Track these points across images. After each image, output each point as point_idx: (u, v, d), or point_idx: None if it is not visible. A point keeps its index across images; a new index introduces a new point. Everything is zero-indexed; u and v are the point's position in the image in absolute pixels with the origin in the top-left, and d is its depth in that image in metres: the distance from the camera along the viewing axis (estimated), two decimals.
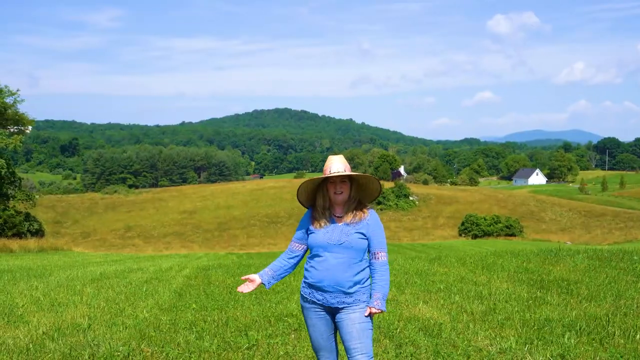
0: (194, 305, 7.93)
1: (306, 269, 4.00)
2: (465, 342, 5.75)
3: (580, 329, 6.11)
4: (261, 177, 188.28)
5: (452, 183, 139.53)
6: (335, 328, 4.03)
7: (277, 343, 5.85)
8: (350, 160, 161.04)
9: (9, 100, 43.69)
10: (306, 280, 3.99)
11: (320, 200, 4.03)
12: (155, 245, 69.37)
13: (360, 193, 4.11)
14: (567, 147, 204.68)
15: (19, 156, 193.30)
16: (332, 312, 3.96)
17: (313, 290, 3.95)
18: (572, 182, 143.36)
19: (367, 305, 3.89)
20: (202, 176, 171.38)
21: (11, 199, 44.14)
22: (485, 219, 65.00)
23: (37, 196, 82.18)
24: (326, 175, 3.97)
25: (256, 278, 4.02)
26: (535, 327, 6.24)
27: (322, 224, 3.97)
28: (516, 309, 7.22)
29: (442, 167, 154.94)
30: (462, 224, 66.66)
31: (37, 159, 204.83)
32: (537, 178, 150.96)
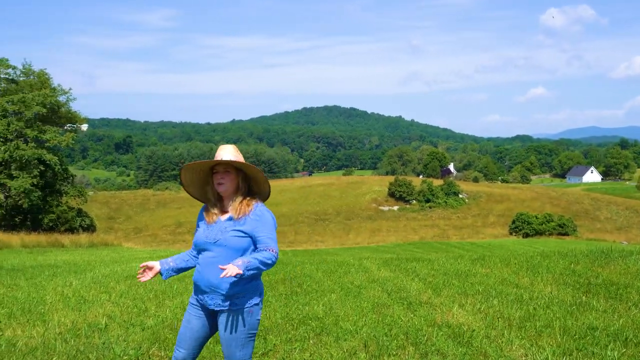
0: None
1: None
2: (498, 352, 5.33)
3: (626, 339, 5.61)
4: (310, 175, 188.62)
5: (503, 181, 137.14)
6: (215, 331, 3.79)
7: (295, 349, 5.54)
8: (399, 157, 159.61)
9: (61, 98, 44.71)
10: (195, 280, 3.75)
11: (210, 194, 3.76)
12: None
13: (248, 184, 3.76)
14: (624, 144, 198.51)
15: (76, 153, 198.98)
16: (212, 314, 3.72)
17: (195, 290, 3.72)
18: (629, 180, 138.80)
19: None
20: None
21: (64, 195, 45.16)
22: (536, 218, 63.47)
23: (91, 192, 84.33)
24: (202, 162, 3.68)
25: (155, 265, 3.74)
26: (577, 336, 5.76)
27: (210, 220, 3.71)
28: (558, 315, 6.73)
29: (492, 165, 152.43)
30: (513, 222, 65.27)
31: (92, 156, 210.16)
32: (592, 176, 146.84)
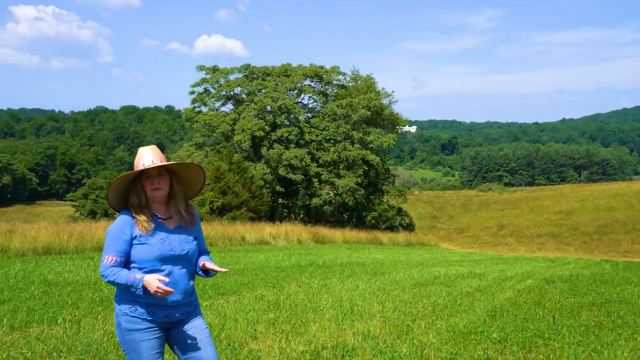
0: (494, 335, 6.41)
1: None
2: None
3: None
4: None
5: None
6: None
7: None
8: None
9: (384, 101, 46.70)
10: (140, 300, 3.31)
11: (134, 199, 3.40)
12: (528, 246, 67.18)
13: (182, 187, 3.56)
14: None
15: (405, 154, 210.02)
16: (169, 327, 3.46)
17: (153, 309, 3.35)
18: None
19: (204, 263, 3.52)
20: (583, 175, 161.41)
21: (385, 194, 47.08)
22: None
23: (417, 192, 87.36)
24: (140, 169, 3.35)
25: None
26: None
27: (149, 228, 3.36)
28: None
29: None
30: None
31: (420, 157, 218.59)
32: None
